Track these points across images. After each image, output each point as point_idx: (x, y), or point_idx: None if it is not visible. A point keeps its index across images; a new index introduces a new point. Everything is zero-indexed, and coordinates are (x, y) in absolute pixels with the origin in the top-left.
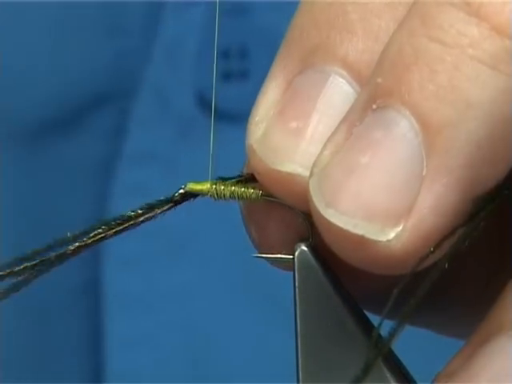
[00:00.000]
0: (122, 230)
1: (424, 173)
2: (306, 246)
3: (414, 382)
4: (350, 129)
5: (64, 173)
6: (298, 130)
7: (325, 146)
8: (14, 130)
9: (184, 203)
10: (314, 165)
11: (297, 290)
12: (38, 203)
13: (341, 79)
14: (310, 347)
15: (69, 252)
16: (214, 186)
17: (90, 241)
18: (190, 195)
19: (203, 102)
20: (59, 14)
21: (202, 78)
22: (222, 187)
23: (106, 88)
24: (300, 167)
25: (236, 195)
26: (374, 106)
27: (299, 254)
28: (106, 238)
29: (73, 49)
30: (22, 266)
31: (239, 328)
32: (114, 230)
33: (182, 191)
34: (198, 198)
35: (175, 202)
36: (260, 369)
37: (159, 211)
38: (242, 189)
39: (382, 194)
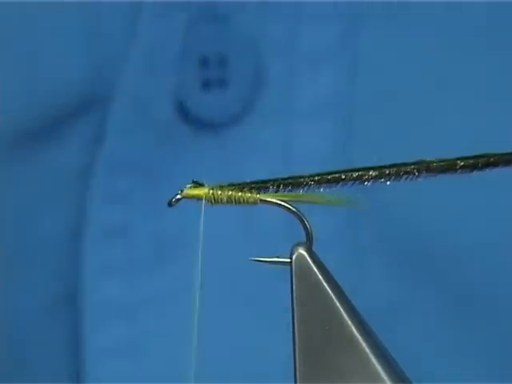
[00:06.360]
0: None
1: None
2: (304, 249)
3: (409, 381)
4: None
5: (43, 182)
6: None
7: None
8: None
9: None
10: None
11: (294, 292)
12: (16, 212)
13: None
14: (307, 350)
15: None
16: (211, 191)
17: None
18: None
19: (182, 110)
20: (34, 21)
21: (180, 85)
22: (220, 192)
23: (83, 96)
24: None
25: (233, 199)
26: None
27: (297, 257)
28: None
29: (49, 57)
30: None
31: (225, 334)
32: None
33: (178, 197)
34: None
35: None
36: (250, 370)
37: None
38: (240, 193)
39: None
